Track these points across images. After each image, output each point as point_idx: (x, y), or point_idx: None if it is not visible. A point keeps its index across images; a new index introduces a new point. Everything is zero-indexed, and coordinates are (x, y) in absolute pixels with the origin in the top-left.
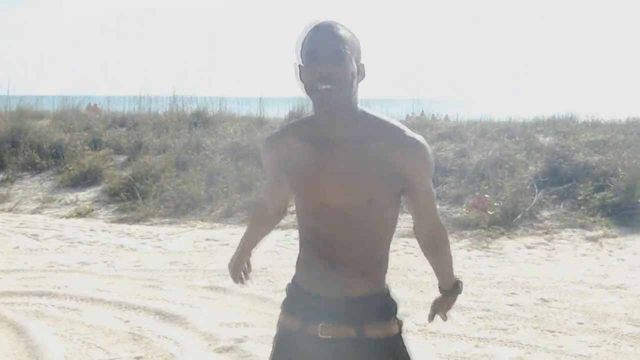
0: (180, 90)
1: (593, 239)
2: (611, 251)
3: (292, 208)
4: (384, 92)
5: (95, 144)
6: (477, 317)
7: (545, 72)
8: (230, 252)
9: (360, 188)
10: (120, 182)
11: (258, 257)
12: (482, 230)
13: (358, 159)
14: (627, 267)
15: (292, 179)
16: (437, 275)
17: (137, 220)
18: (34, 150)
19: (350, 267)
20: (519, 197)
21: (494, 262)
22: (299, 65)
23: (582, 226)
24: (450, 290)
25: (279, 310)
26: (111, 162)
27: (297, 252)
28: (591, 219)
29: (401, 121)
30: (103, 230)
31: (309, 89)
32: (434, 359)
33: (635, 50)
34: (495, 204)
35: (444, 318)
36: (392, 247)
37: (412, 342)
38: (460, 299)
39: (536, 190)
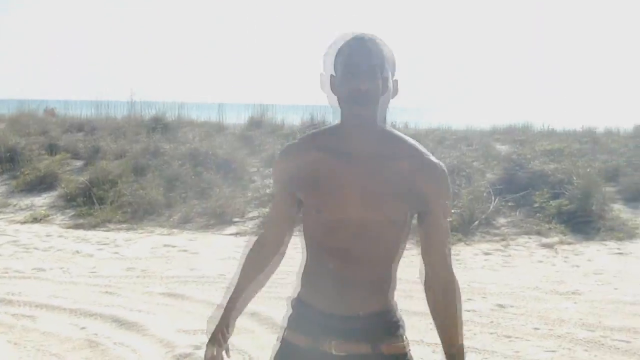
0: (139, 95)
1: (549, 246)
2: (566, 257)
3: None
4: None
5: (52, 149)
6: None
7: (503, 82)
8: (188, 258)
9: (382, 205)
10: (77, 187)
11: (215, 263)
12: None
13: (382, 177)
14: (582, 273)
15: (312, 193)
16: (443, 335)
17: (94, 226)
18: None
19: (363, 284)
20: (476, 204)
21: None
22: (331, 76)
23: (538, 233)
24: (457, 354)
25: (244, 319)
26: (68, 167)
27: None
28: (547, 226)
29: None
30: (59, 236)
31: (346, 102)
32: None
33: (587, 62)
34: (452, 211)
35: None
36: None
37: None
38: (418, 305)
39: (493, 198)
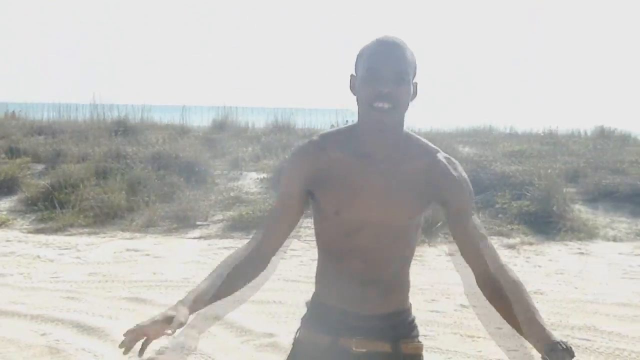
0: (101, 97)
1: (511, 246)
2: (528, 258)
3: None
4: (307, 101)
5: (13, 152)
6: None
7: (466, 85)
8: (151, 262)
9: (403, 206)
10: (39, 191)
11: (179, 267)
12: None
13: (400, 178)
14: (544, 273)
15: (331, 193)
16: (531, 327)
17: (56, 231)
18: None
19: (383, 284)
20: None
21: (415, 269)
22: (351, 76)
23: (501, 234)
24: (558, 345)
25: (201, 322)
26: (29, 171)
27: (232, 257)
28: (509, 226)
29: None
30: (20, 241)
31: (367, 106)
32: None
33: (548, 64)
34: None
35: None
36: (314, 255)
37: None
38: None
39: None
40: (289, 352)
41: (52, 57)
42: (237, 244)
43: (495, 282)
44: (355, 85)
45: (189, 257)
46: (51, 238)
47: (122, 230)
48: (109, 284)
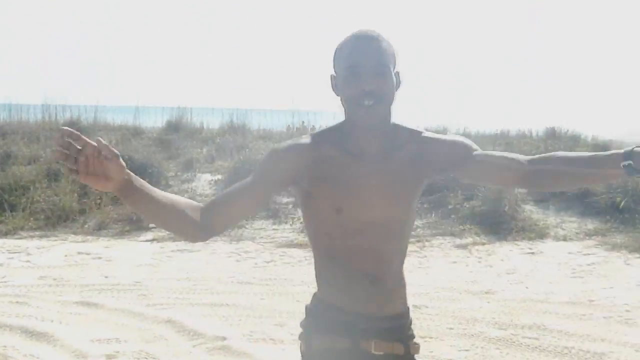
0: (53, 98)
1: (463, 247)
2: (480, 258)
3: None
4: (262, 102)
5: None
6: None
7: (420, 85)
8: (103, 265)
9: (402, 198)
10: None
11: (131, 270)
12: None
13: (396, 168)
14: (495, 273)
15: (330, 191)
16: (598, 159)
17: (5, 234)
18: None
19: (390, 281)
20: None
21: None
22: (331, 76)
23: (453, 234)
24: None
25: (153, 325)
26: None
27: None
28: (461, 227)
29: (282, 132)
30: None
31: (353, 104)
32: None
33: (500, 65)
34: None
35: None
36: (269, 257)
37: (288, 352)
38: None
39: None
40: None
41: (0, 56)
42: (190, 246)
43: (542, 168)
44: (337, 85)
45: (141, 260)
46: (0, 242)
47: (74, 233)
48: (59, 288)
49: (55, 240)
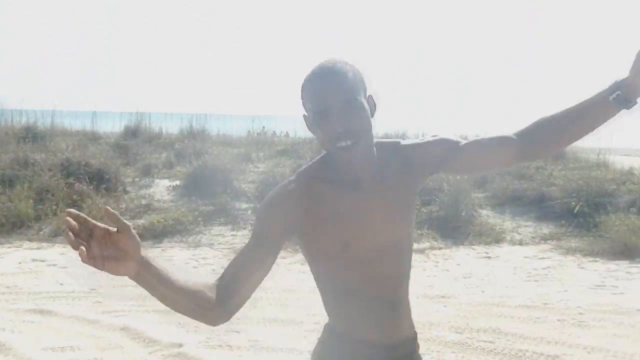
0: (8, 103)
1: (420, 251)
2: (437, 262)
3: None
4: (221, 107)
5: None
6: (308, 331)
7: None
8: (58, 273)
9: (405, 216)
10: None
11: (86, 277)
12: None
13: (391, 188)
14: (452, 277)
15: (334, 230)
16: (591, 103)
17: None
18: None
19: (403, 304)
20: None
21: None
22: (304, 116)
23: None
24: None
25: (108, 332)
26: None
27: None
28: (419, 232)
29: (242, 138)
30: None
31: (329, 147)
32: None
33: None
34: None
35: None
36: (227, 263)
37: (244, 358)
38: (292, 313)
39: None
40: None
41: None
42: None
43: (535, 137)
44: (311, 125)
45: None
46: None
47: (29, 240)
48: (13, 296)
49: (10, 247)
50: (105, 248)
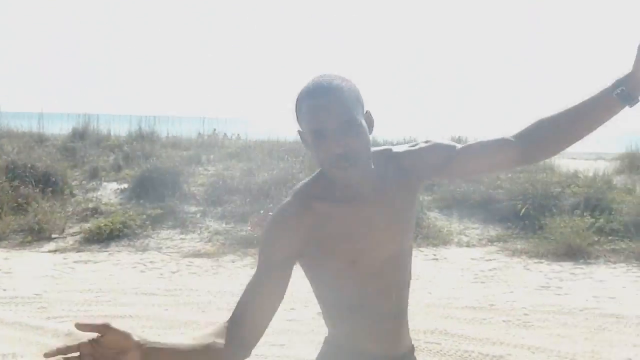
0: None
1: None
2: None
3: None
4: (171, 109)
5: None
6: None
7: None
8: (1, 277)
9: (408, 225)
10: None
11: (31, 282)
12: None
13: (392, 199)
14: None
15: (341, 249)
16: (593, 101)
17: None
18: None
19: (405, 314)
20: None
21: None
22: (299, 132)
23: None
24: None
25: (52, 338)
26: None
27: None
28: None
29: (192, 140)
30: None
31: (328, 168)
32: None
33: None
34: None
35: None
36: (175, 267)
37: None
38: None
39: None
40: None
41: None
42: (94, 257)
43: (536, 139)
44: (307, 141)
45: (43, 272)
46: None
47: None
48: None
49: None
50: (101, 358)
